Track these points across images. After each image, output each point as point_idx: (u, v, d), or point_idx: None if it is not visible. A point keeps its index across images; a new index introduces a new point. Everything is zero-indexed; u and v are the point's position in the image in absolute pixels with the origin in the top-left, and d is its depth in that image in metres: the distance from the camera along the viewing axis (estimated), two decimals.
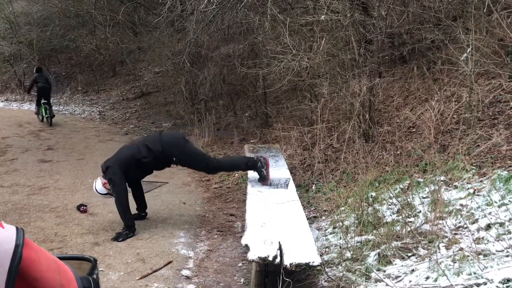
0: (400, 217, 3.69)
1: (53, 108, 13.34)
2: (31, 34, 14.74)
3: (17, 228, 0.88)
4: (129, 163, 4.40)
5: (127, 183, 4.51)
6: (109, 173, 4.35)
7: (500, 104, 4.70)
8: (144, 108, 11.97)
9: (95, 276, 1.33)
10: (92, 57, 15.32)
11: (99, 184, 4.48)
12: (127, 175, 4.42)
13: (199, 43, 8.46)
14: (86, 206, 5.06)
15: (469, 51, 4.56)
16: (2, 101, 14.98)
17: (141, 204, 4.84)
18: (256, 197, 4.26)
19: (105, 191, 4.48)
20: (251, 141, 7.61)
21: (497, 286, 2.27)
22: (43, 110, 10.79)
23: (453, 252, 2.89)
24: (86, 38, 14.43)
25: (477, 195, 3.54)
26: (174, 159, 4.48)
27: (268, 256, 2.96)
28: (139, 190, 4.82)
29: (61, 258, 1.01)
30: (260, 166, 4.63)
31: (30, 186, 5.94)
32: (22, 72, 16.14)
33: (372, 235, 3.57)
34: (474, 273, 2.46)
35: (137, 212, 4.77)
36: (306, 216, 3.94)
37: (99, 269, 2.76)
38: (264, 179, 4.64)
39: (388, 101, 6.14)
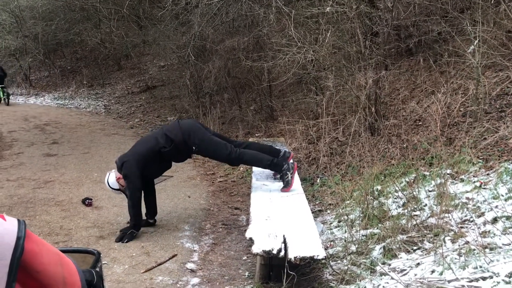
0: (406, 210, 3.68)
1: (58, 101, 13.48)
2: (36, 28, 14.77)
3: (18, 220, 0.87)
4: (147, 157, 4.11)
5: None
6: (125, 168, 4.06)
7: (508, 97, 4.66)
8: (149, 102, 11.98)
9: (98, 269, 1.33)
10: (97, 51, 15.37)
11: (112, 178, 4.23)
12: (146, 171, 4.15)
13: (203, 36, 8.43)
14: (91, 200, 5.08)
15: (476, 43, 4.51)
16: None
17: (151, 210, 4.48)
18: (261, 190, 4.25)
19: (117, 186, 4.23)
20: (256, 134, 7.59)
21: (503, 280, 2.25)
22: (1, 93, 13.08)
23: (459, 245, 2.87)
24: (91, 32, 14.47)
25: (484, 188, 3.51)
26: (194, 148, 4.17)
27: (273, 250, 2.95)
28: (151, 195, 4.49)
29: (64, 251, 1.00)
30: (286, 168, 4.14)
31: (36, 179, 5.97)
32: (28, 66, 16.19)
33: (377, 228, 3.55)
34: (480, 267, 2.44)
35: (145, 217, 4.43)
36: (311, 210, 3.93)
37: (103, 262, 2.76)
38: (286, 185, 4.13)
39: (394, 94, 6.11)
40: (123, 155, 4.26)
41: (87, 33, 14.53)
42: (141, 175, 4.11)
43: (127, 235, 4.06)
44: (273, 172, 4.52)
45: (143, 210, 4.36)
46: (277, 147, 4.65)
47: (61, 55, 17.48)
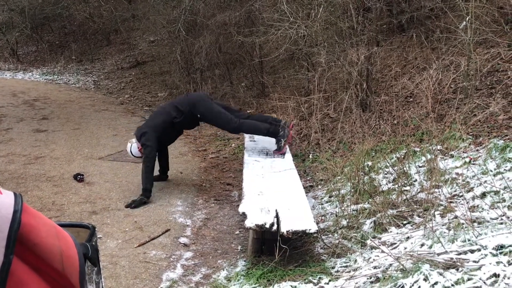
0: (396, 185, 3.72)
1: (47, 77, 13.35)
2: (22, 1, 14.41)
3: (15, 194, 0.87)
4: (164, 127, 4.70)
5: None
6: (144, 138, 4.59)
7: (498, 74, 4.68)
8: (139, 77, 11.85)
9: (93, 243, 1.34)
10: (85, 26, 15.07)
11: (135, 148, 4.77)
12: (162, 138, 4.74)
13: (194, 11, 8.30)
14: (82, 175, 5.06)
15: (468, 19, 4.50)
16: None
17: (164, 166, 5.14)
18: (253, 166, 4.27)
19: (139, 155, 4.76)
20: (248, 111, 7.57)
21: (490, 252, 2.30)
22: None
23: (448, 220, 2.93)
24: (79, 6, 14.16)
25: (473, 164, 3.56)
26: (199, 116, 4.74)
27: (265, 224, 2.99)
28: (164, 155, 5.11)
29: (59, 226, 1.01)
30: (281, 135, 4.78)
31: (26, 155, 5.93)
32: (15, 40, 15.88)
33: (368, 203, 3.60)
34: (469, 240, 2.49)
35: (158, 173, 5.03)
36: (303, 185, 3.97)
37: (98, 236, 2.78)
38: (279, 149, 4.82)
39: (385, 70, 6.10)
40: (140, 127, 4.85)
41: (75, 7, 14.21)
42: (157, 143, 4.66)
43: (136, 201, 4.37)
44: (277, 151, 4.89)
45: (157, 167, 4.87)
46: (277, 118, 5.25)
47: (49, 30, 17.13)
